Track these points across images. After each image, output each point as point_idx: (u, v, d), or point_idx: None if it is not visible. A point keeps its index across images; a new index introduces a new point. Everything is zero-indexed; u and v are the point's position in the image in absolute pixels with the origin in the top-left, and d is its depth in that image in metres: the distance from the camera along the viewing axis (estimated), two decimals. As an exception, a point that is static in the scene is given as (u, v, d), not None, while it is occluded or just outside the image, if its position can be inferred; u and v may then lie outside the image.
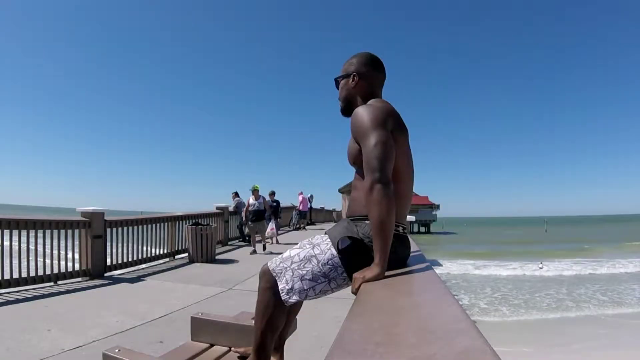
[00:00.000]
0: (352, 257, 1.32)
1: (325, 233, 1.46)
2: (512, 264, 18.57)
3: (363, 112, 1.32)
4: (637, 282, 13.93)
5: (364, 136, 1.28)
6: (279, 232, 11.89)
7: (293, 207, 15.05)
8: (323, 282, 1.36)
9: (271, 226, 9.33)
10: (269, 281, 1.45)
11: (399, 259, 1.38)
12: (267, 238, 9.21)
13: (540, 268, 17.72)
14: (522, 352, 6.47)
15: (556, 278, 15.30)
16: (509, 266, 18.24)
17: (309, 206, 19.02)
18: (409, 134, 1.43)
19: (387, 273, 1.23)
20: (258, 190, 8.92)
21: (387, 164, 1.23)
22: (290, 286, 1.38)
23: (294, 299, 1.39)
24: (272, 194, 10.81)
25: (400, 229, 1.39)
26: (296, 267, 1.38)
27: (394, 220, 1.23)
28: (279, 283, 1.40)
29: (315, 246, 1.40)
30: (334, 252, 1.35)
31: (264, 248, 8.81)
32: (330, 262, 1.34)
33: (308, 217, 18.90)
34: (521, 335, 8.03)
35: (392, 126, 1.32)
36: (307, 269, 1.36)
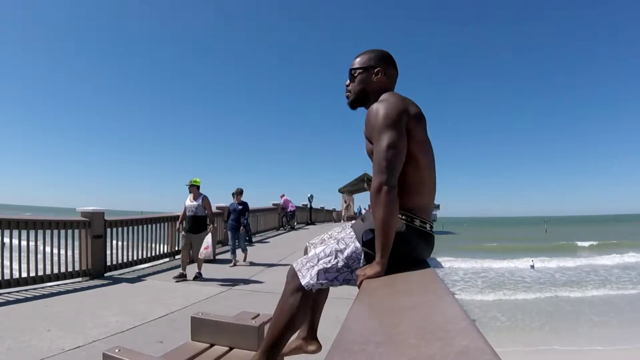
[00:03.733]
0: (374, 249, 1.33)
1: (350, 227, 1.47)
2: (507, 264, 18.33)
3: (376, 110, 1.32)
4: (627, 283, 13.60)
5: (377, 135, 1.28)
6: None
7: (277, 208, 14.92)
8: (346, 272, 1.38)
9: (206, 243, 5.78)
10: (296, 281, 1.44)
11: (420, 259, 1.39)
12: (201, 259, 5.87)
13: (532, 267, 17.69)
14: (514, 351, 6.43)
15: (548, 278, 14.93)
16: (503, 266, 17.99)
17: (308, 206, 19.06)
18: (426, 122, 1.41)
19: (389, 273, 1.25)
20: (198, 187, 6.13)
21: (395, 168, 1.24)
22: (314, 281, 1.39)
23: (316, 286, 1.40)
24: (239, 193, 7.74)
25: (428, 226, 1.39)
26: (322, 263, 1.40)
27: (396, 222, 1.25)
28: (302, 280, 1.40)
29: (340, 241, 1.42)
30: (358, 245, 1.37)
31: (198, 275, 5.80)
32: (354, 254, 1.36)
33: (308, 217, 18.92)
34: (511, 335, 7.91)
35: (408, 120, 1.31)
36: (332, 263, 1.38)
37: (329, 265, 1.38)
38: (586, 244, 25.97)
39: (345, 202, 24.90)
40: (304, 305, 1.44)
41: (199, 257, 5.85)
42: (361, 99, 1.51)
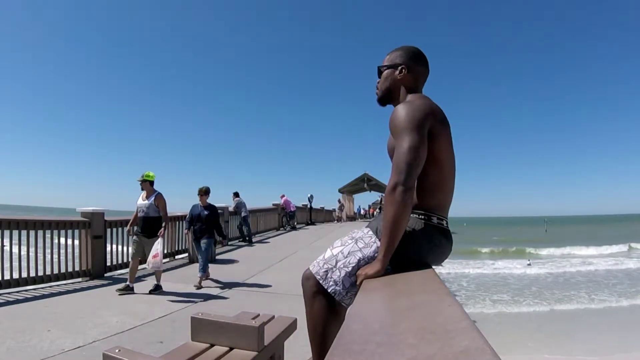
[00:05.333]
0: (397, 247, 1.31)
1: (367, 226, 1.46)
2: (503, 265, 18.20)
3: (402, 111, 1.32)
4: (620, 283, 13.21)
5: (399, 136, 1.29)
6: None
7: (277, 208, 14.96)
8: None
9: (154, 251, 4.89)
10: (315, 285, 1.42)
11: (444, 255, 1.42)
12: (155, 269, 4.97)
13: (529, 265, 17.73)
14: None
15: (542, 281, 14.58)
16: (498, 266, 17.88)
17: (308, 206, 19.06)
18: (450, 127, 1.42)
19: (391, 273, 1.26)
20: (152, 183, 5.22)
21: (414, 170, 1.24)
22: (341, 287, 1.36)
23: (350, 299, 1.37)
24: (205, 192, 5.87)
25: (444, 222, 1.40)
26: (342, 266, 1.37)
27: (406, 223, 1.25)
28: (327, 288, 1.38)
29: (358, 240, 1.40)
30: (380, 243, 1.34)
31: (157, 286, 4.96)
32: (376, 254, 1.34)
33: (308, 217, 18.92)
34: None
35: (432, 124, 1.31)
36: (353, 264, 1.36)
37: (350, 267, 1.36)
38: (585, 245, 25.71)
39: (339, 202, 24.83)
40: (332, 309, 1.41)
41: (147, 267, 5.01)
42: (387, 96, 1.53)
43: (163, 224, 5.14)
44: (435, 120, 1.33)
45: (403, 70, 1.48)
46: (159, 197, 5.17)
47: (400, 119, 1.30)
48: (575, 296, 11.53)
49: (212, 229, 5.84)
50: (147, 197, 5.16)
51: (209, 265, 5.73)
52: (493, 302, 10.90)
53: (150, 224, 5.10)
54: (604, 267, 17.04)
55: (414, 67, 1.49)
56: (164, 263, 5.17)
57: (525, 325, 8.68)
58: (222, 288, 5.26)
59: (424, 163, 1.27)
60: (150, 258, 4.89)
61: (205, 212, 5.79)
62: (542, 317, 9.40)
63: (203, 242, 5.68)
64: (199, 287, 5.30)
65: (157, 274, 5.04)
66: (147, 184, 5.19)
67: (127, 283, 4.96)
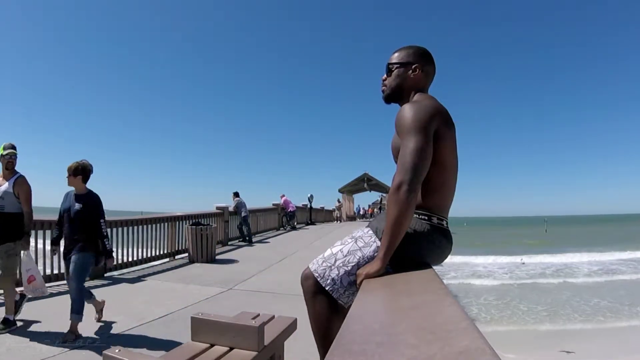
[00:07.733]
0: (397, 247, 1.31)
1: (367, 226, 1.46)
2: (497, 262, 18.18)
3: (409, 111, 1.31)
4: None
5: (405, 136, 1.28)
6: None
7: (277, 208, 14.95)
8: None
9: (28, 271, 3.43)
10: (314, 285, 1.42)
11: (444, 255, 1.42)
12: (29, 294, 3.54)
13: (523, 263, 17.87)
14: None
15: (535, 278, 14.41)
16: (492, 261, 17.90)
17: (308, 206, 19.06)
18: (455, 129, 1.41)
19: (391, 273, 1.26)
20: (11, 161, 3.36)
21: (420, 172, 1.24)
22: (339, 285, 1.37)
23: (348, 297, 1.38)
24: (76, 171, 3.29)
25: (445, 223, 1.40)
26: (341, 264, 1.37)
27: (409, 224, 1.25)
28: (325, 286, 1.39)
29: (358, 239, 1.41)
30: (379, 243, 1.34)
31: (16, 308, 3.42)
32: (375, 253, 1.33)
33: (308, 217, 18.91)
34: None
35: (438, 125, 1.31)
36: (353, 263, 1.36)
37: (349, 267, 1.36)
38: (582, 248, 25.28)
39: (339, 201, 24.81)
40: (334, 308, 1.42)
41: (27, 294, 3.49)
42: (396, 94, 1.51)
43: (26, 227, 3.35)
44: (441, 121, 1.33)
45: (417, 69, 1.47)
46: (22, 182, 3.34)
47: (407, 118, 1.29)
48: (567, 301, 11.26)
49: (90, 236, 3.35)
50: (6, 180, 3.33)
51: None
52: (479, 305, 10.74)
53: (6, 224, 3.25)
54: (596, 273, 16.67)
55: (425, 66, 1.49)
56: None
57: (514, 329, 8.58)
58: (222, 288, 5.26)
59: (429, 165, 1.27)
60: (25, 282, 3.37)
61: (76, 206, 3.31)
62: (530, 321, 9.28)
63: (73, 259, 3.25)
64: (75, 336, 3.12)
65: (7, 300, 3.36)
66: (10, 161, 3.33)
67: (6, 316, 3.32)
